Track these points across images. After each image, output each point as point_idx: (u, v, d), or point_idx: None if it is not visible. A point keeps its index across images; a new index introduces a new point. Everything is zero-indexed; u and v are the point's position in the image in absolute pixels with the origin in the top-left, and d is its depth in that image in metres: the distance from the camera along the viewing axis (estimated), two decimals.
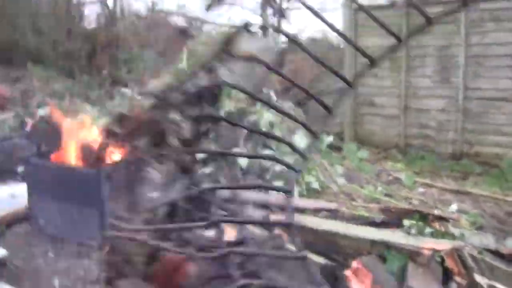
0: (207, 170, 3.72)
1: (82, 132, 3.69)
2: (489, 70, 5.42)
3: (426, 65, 5.96)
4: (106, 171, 3.15)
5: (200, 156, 3.47)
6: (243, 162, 3.97)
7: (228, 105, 4.16)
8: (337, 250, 2.52)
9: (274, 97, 4.58)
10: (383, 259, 2.33)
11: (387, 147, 6.33)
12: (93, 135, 3.63)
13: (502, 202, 4.44)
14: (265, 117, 4.29)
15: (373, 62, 1.37)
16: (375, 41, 5.45)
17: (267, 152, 4.11)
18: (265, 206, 3.21)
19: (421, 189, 4.80)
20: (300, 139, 4.23)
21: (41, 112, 5.57)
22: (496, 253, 2.61)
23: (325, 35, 7.53)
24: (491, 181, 5.05)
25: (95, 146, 3.51)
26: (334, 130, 6.00)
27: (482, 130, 5.77)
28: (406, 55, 6.02)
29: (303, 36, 7.61)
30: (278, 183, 3.92)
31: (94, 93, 7.40)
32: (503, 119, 5.60)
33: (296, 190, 3.80)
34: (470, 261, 2.43)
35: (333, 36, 7.04)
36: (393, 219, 2.95)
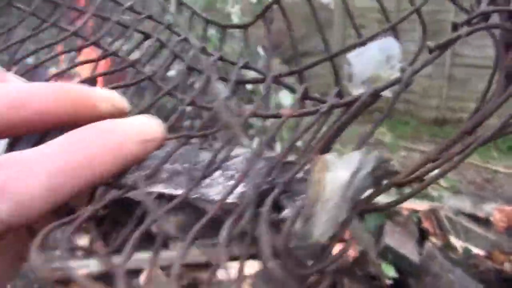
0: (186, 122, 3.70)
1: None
2: (476, 37, 5.39)
3: (415, 29, 5.97)
4: None
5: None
6: None
7: (227, 50, 4.12)
8: None
9: (262, 53, 4.54)
10: (361, 217, 2.36)
11: (371, 110, 6.34)
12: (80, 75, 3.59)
13: (481, 169, 4.49)
14: (250, 74, 4.26)
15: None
16: (365, 2, 5.44)
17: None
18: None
19: (403, 153, 4.84)
20: (285, 97, 4.22)
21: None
22: (472, 217, 2.65)
23: None
24: None
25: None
26: (319, 90, 6.00)
27: (465, 97, 5.79)
28: (395, 19, 6.00)
29: None
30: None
31: None
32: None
33: (279, 148, 3.81)
34: (446, 223, 2.47)
35: None
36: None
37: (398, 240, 2.16)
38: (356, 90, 0.31)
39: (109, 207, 0.27)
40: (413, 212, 2.41)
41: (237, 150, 0.29)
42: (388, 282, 2.01)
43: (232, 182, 0.27)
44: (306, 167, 0.26)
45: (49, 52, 0.39)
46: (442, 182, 3.36)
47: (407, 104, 6.12)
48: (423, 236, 2.34)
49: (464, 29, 0.28)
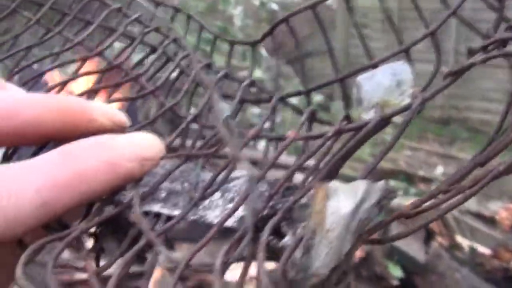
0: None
1: (68, 84, 3.63)
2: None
3: (418, 28, 5.94)
4: None
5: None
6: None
7: (218, 60, 4.12)
8: None
9: (265, 54, 4.54)
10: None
11: None
12: (80, 87, 3.58)
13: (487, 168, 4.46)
14: (255, 74, 4.24)
15: None
16: (368, 1, 5.43)
17: (256, 109, 4.09)
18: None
19: (408, 152, 4.82)
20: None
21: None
22: (477, 216, 2.65)
23: None
24: (477, 146, 5.03)
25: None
26: (323, 90, 5.95)
27: (470, 96, 5.77)
28: (398, 17, 5.99)
29: None
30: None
31: None
32: (492, 85, 5.59)
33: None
34: (452, 222, 2.46)
35: None
36: (378, 179, 2.96)
37: (404, 240, 2.16)
38: (366, 114, 0.31)
39: (103, 224, 0.27)
40: None
41: (239, 171, 0.29)
42: (395, 282, 2.01)
43: (231, 205, 0.27)
44: (309, 193, 0.26)
45: (54, 60, 0.39)
46: None
47: None
48: (429, 235, 2.33)
49: (479, 56, 0.27)
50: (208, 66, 0.39)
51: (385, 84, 0.31)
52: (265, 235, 0.23)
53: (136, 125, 0.32)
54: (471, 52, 0.29)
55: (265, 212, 0.26)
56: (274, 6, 5.18)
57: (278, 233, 0.25)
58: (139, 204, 0.26)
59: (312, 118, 0.35)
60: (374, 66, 0.36)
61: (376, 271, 2.01)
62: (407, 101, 0.30)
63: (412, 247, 2.13)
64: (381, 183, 0.24)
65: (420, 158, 4.68)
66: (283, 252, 0.23)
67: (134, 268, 0.25)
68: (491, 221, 2.60)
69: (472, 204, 2.77)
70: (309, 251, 0.22)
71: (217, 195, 0.28)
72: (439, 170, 4.10)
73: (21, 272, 0.22)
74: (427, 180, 3.12)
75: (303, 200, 0.25)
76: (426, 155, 4.79)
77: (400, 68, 0.32)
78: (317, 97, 5.08)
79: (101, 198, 0.27)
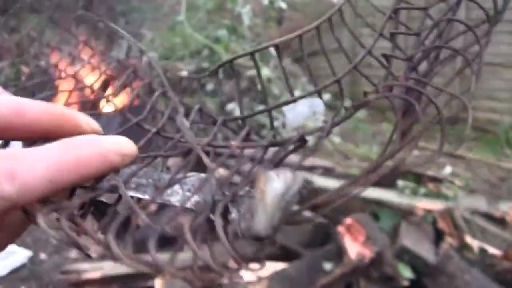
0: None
1: (79, 81, 3.63)
2: None
3: (427, 27, 5.91)
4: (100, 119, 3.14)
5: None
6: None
7: (225, 58, 4.11)
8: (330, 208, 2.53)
9: (273, 53, 4.52)
10: (376, 218, 2.35)
11: (384, 109, 6.33)
12: (90, 83, 3.58)
13: (495, 168, 4.46)
14: (263, 73, 4.25)
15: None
16: (375, 1, 5.40)
17: (263, 107, 4.08)
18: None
19: (415, 152, 4.81)
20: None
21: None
22: (487, 216, 2.63)
23: None
24: (485, 146, 5.06)
25: (92, 94, 3.48)
26: (331, 89, 5.93)
27: (478, 95, 5.74)
28: (405, 17, 5.96)
29: None
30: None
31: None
32: (500, 84, 5.57)
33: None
34: (462, 223, 2.45)
35: None
36: (387, 179, 2.95)
37: (414, 239, 2.15)
38: (287, 135, 0.41)
39: (85, 205, 0.35)
40: (428, 212, 2.39)
41: (191, 173, 0.38)
42: (405, 282, 2.00)
43: (189, 193, 0.36)
44: (246, 188, 0.35)
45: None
46: (456, 181, 3.33)
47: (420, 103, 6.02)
48: (439, 236, 2.32)
49: (373, 96, 0.38)
50: (164, 93, 0.50)
51: (303, 114, 0.45)
52: (219, 208, 0.32)
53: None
54: (365, 94, 0.40)
55: (217, 197, 0.35)
56: (282, 5, 5.18)
57: (225, 213, 0.33)
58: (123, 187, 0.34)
59: (247, 137, 0.46)
60: (295, 100, 0.47)
61: (386, 272, 2.00)
62: (319, 125, 0.41)
63: (422, 248, 2.11)
64: (302, 175, 0.33)
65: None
66: (229, 225, 0.32)
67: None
68: (501, 221, 2.58)
69: (482, 204, 2.76)
70: (253, 216, 0.31)
71: (177, 186, 0.36)
72: (448, 169, 4.08)
73: (43, 220, 0.30)
74: (436, 180, 3.10)
75: (242, 192, 0.35)
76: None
77: (315, 102, 0.46)
78: (326, 96, 5.05)
79: (88, 183, 0.34)
